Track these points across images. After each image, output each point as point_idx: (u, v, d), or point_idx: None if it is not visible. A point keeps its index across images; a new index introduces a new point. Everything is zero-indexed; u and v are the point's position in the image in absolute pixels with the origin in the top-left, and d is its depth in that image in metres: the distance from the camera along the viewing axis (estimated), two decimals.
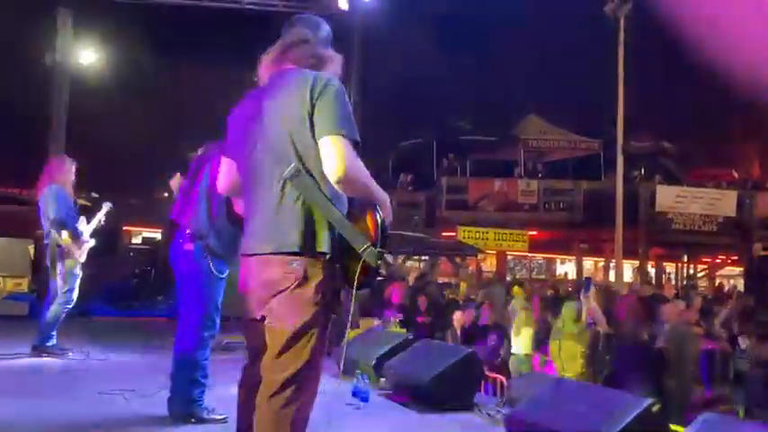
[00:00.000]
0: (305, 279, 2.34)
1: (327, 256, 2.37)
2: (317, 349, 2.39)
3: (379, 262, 2.33)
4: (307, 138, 2.39)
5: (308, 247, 2.36)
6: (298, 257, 2.35)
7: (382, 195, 2.47)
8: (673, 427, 4.10)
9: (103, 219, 6.42)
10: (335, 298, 2.42)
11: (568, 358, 6.35)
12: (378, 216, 2.39)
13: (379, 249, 2.33)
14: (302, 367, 2.35)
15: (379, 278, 2.43)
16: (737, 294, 13.88)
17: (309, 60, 2.56)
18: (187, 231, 4.13)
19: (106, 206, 6.46)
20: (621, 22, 16.03)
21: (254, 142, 2.50)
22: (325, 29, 2.69)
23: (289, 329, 2.35)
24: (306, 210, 2.38)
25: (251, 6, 10.28)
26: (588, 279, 8.43)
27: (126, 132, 16.83)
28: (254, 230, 2.50)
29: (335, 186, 2.35)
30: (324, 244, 2.37)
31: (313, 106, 2.38)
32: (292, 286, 2.35)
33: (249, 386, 2.49)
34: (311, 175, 2.38)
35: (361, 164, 2.39)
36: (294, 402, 2.35)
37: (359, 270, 2.36)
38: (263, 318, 2.44)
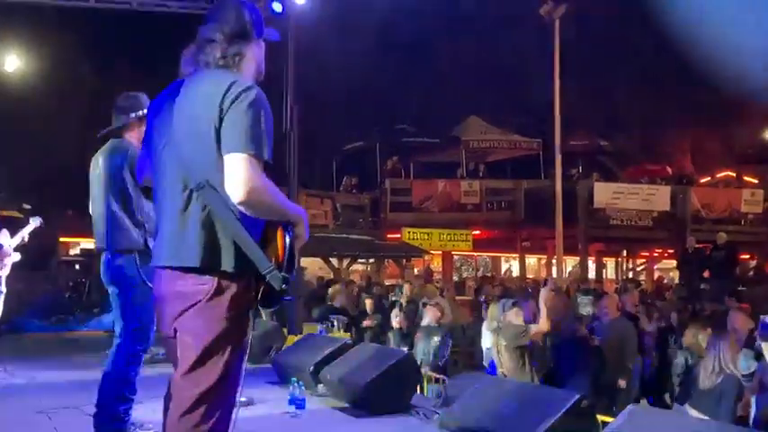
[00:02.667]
0: (217, 293, 2.27)
1: (234, 273, 2.28)
2: (230, 364, 2.31)
3: (283, 286, 2.26)
4: (213, 150, 2.26)
5: (210, 265, 2.27)
6: (207, 272, 2.27)
7: (294, 214, 2.35)
8: (602, 418, 4.18)
9: (28, 234, 6.18)
10: (246, 312, 2.34)
11: (497, 354, 6.44)
12: (287, 237, 2.30)
13: (283, 274, 2.25)
14: (215, 384, 2.27)
15: (286, 299, 2.36)
16: (676, 287, 14.34)
17: (219, 62, 2.41)
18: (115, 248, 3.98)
19: (34, 221, 6.23)
20: (557, 23, 16.38)
21: (163, 143, 2.40)
22: (242, 19, 2.46)
23: (200, 344, 2.27)
24: (211, 225, 2.28)
25: (182, 10, 10.11)
26: None
27: (58, 140, 16.31)
28: (161, 239, 2.41)
29: (238, 207, 2.23)
30: (226, 263, 2.27)
31: (221, 118, 2.25)
32: (204, 300, 2.27)
33: (168, 401, 2.42)
34: (218, 189, 2.25)
35: (267, 185, 2.24)
36: (207, 421, 2.26)
37: (261, 292, 2.30)
38: (176, 333, 2.36)
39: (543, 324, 6.28)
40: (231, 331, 2.30)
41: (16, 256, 6.09)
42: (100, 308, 10.36)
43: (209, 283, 2.27)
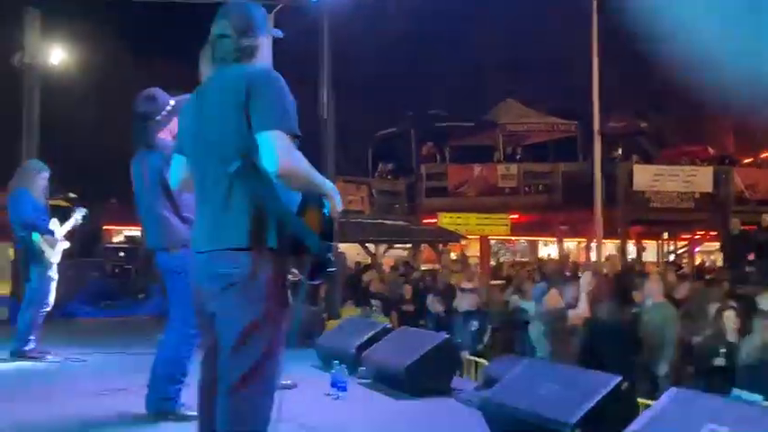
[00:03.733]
0: (254, 273, 2.35)
1: (275, 251, 2.38)
2: (272, 341, 2.39)
3: (328, 255, 2.36)
4: (245, 133, 2.37)
5: (255, 243, 2.36)
6: (246, 251, 2.36)
7: (327, 186, 2.47)
8: (642, 401, 4.18)
9: (77, 223, 6.37)
10: (286, 290, 2.44)
11: (537, 338, 6.44)
12: (324, 210, 2.41)
13: (326, 243, 2.36)
14: (259, 361, 2.36)
15: (331, 270, 2.45)
16: (719, 270, 14.08)
17: (233, 55, 2.53)
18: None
19: (80, 212, 6.41)
20: (595, 3, 16.10)
21: (198, 142, 2.52)
22: (248, 16, 2.58)
23: (242, 324, 2.36)
24: (253, 206, 2.38)
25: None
26: None
27: (102, 130, 16.69)
28: (203, 228, 2.51)
29: (276, 181, 2.35)
30: (271, 239, 2.37)
31: (248, 101, 2.37)
32: (242, 280, 2.36)
33: (206, 382, 2.52)
34: (256, 171, 2.36)
35: (299, 158, 2.37)
36: (252, 398, 2.35)
37: (309, 264, 2.40)
38: (215, 313, 2.46)
39: (584, 309, 6.24)
40: (272, 309, 2.38)
41: (65, 244, 6.30)
42: (145, 293, 10.66)
43: (249, 263, 2.35)
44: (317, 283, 2.52)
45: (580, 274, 8.68)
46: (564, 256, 19.26)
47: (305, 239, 2.35)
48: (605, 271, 12.70)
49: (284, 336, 2.46)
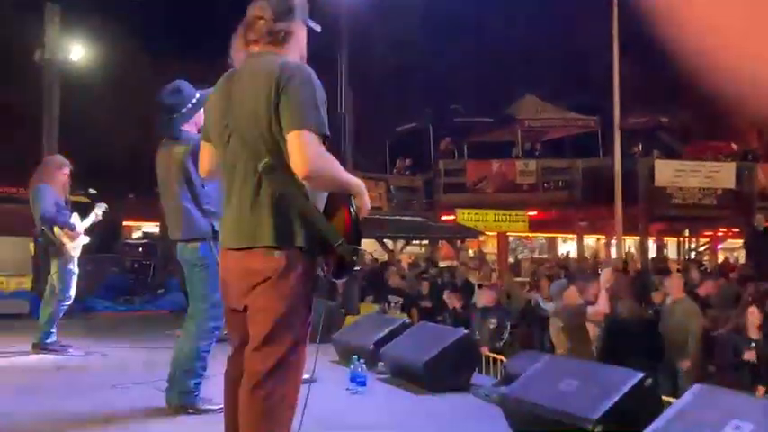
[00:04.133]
0: (286, 269, 2.35)
1: (304, 249, 2.37)
2: (299, 339, 2.40)
3: (354, 257, 2.34)
4: (276, 132, 2.34)
5: (284, 242, 2.36)
6: (278, 249, 2.35)
7: (355, 186, 2.42)
8: (665, 398, 4.11)
9: (97, 219, 6.41)
10: (315, 288, 2.44)
11: (556, 335, 6.38)
12: (351, 210, 2.38)
13: (353, 246, 2.34)
14: (285, 357, 2.35)
15: (356, 269, 2.43)
16: (742, 267, 13.86)
17: (267, 38, 2.48)
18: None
19: (100, 207, 6.45)
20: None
21: (228, 133, 2.49)
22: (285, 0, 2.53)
23: (271, 319, 2.36)
24: (281, 205, 2.36)
25: None
26: None
27: (122, 127, 16.83)
28: (232, 223, 2.49)
29: (303, 182, 2.32)
30: (300, 238, 2.36)
31: (278, 100, 2.33)
32: (274, 276, 2.35)
33: (233, 377, 2.51)
34: (285, 170, 2.33)
35: (328, 158, 2.32)
36: (278, 392, 2.35)
37: (334, 264, 2.39)
38: (246, 308, 2.45)
39: (603, 306, 6.16)
40: (300, 306, 2.39)
41: (86, 239, 6.34)
42: (164, 288, 10.71)
43: (280, 259, 2.35)
44: (340, 281, 2.51)
45: (600, 271, 8.61)
46: (582, 254, 19.14)
47: (331, 240, 2.33)
48: (627, 266, 12.62)
49: (308, 332, 2.46)
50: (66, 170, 6.27)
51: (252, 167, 2.39)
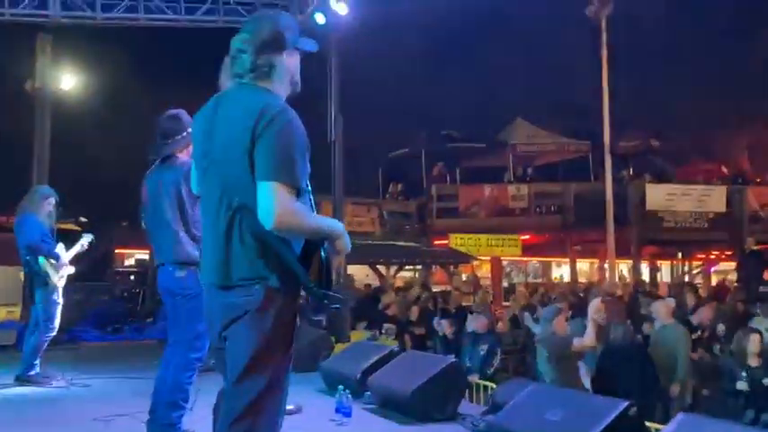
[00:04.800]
0: (265, 305, 2.33)
1: (281, 287, 2.35)
2: (278, 373, 2.37)
3: (325, 301, 2.33)
4: (249, 174, 2.31)
5: (256, 281, 2.34)
6: (258, 283, 2.33)
7: (330, 231, 2.39)
8: (655, 426, 4.07)
9: (83, 249, 6.37)
10: (293, 325, 2.41)
11: (542, 363, 6.33)
12: (322, 254, 2.35)
13: (322, 291, 2.32)
14: (263, 392, 2.32)
15: (333, 308, 2.41)
16: (734, 289, 13.85)
17: (250, 73, 2.44)
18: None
19: (86, 238, 6.41)
20: (603, 23, 16.13)
21: (207, 162, 2.47)
22: (274, 29, 2.46)
23: (248, 354, 2.33)
24: (255, 244, 2.34)
25: (228, 24, 10.34)
26: None
27: (113, 154, 16.84)
28: (208, 257, 2.49)
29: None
30: (272, 280, 2.34)
31: (254, 143, 2.29)
32: (252, 311, 2.33)
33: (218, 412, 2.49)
34: (256, 212, 2.29)
35: (297, 213, 2.27)
36: (256, 429, 2.32)
37: (307, 305, 2.39)
38: (226, 342, 2.43)
39: (589, 339, 6.07)
40: (278, 341, 2.36)
41: (71, 269, 6.29)
42: (154, 317, 10.62)
43: (257, 294, 2.33)
44: (318, 318, 2.49)
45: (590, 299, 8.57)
46: (576, 278, 19.10)
47: (302, 283, 2.33)
48: (618, 293, 12.57)
49: (288, 369, 2.43)
50: (52, 200, 6.25)
51: (227, 202, 2.37)
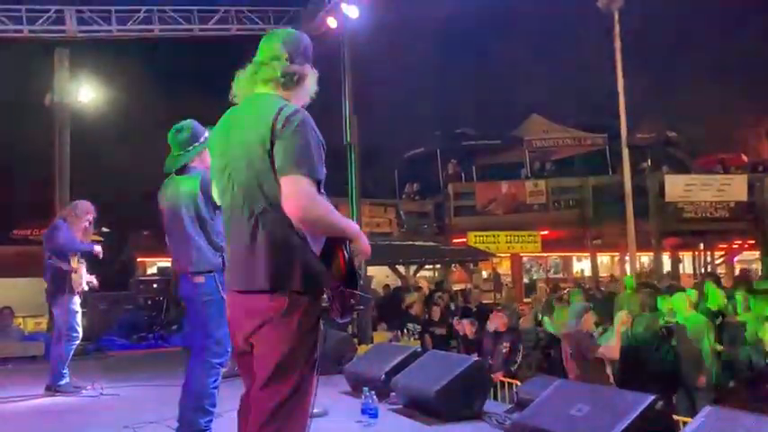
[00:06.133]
0: (288, 310, 2.37)
1: (305, 291, 2.38)
2: (304, 377, 2.41)
3: (351, 300, 2.36)
4: (270, 174, 2.36)
5: (280, 285, 2.37)
6: (280, 290, 2.37)
7: (351, 231, 2.43)
8: (682, 419, 4.06)
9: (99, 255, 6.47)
10: (318, 329, 2.45)
11: (566, 360, 6.31)
12: (345, 253, 2.38)
13: (347, 289, 2.35)
14: (290, 395, 2.37)
15: (358, 308, 2.45)
16: (760, 278, 13.69)
17: (279, 80, 2.51)
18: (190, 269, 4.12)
19: (96, 247, 6.51)
20: (616, 15, 16.03)
21: (228, 172, 2.52)
22: (302, 43, 2.60)
23: (275, 359, 2.38)
24: (277, 247, 2.38)
25: (241, 32, 10.44)
26: None
27: (133, 165, 17.02)
28: (232, 264, 2.53)
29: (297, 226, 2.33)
30: (297, 282, 2.37)
31: (273, 143, 2.35)
32: (276, 317, 2.37)
33: (246, 414, 2.53)
34: (281, 213, 2.35)
35: (322, 203, 2.33)
36: (284, 430, 2.36)
37: (337, 306, 2.40)
38: (252, 348, 2.48)
39: (614, 348, 6.02)
40: (304, 345, 2.40)
41: (94, 280, 6.41)
42: (178, 325, 10.73)
43: (282, 300, 2.37)
44: (345, 321, 2.51)
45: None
46: (597, 272, 18.97)
47: (326, 285, 2.36)
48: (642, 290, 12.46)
49: (315, 372, 2.46)
50: (90, 217, 6.36)
51: (248, 209, 2.42)
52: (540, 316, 9.90)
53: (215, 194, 2.78)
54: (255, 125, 2.40)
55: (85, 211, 6.33)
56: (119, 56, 13.53)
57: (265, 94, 2.52)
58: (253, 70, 2.55)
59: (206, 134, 4.18)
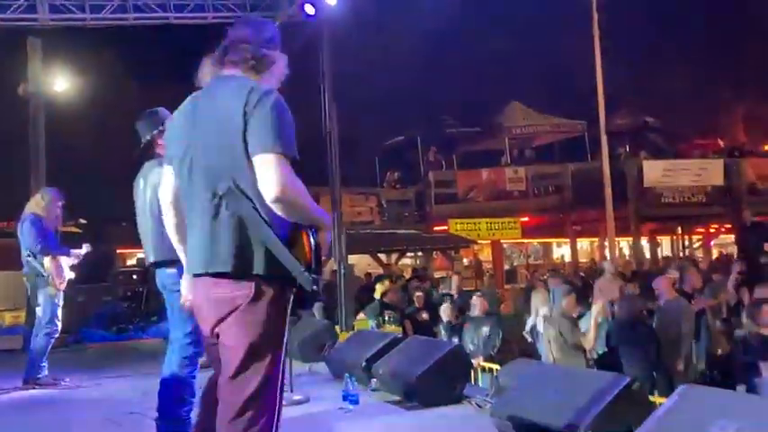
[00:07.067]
0: (255, 297, 2.31)
1: (272, 276, 2.32)
2: (273, 366, 2.36)
3: (314, 287, 2.30)
4: (240, 155, 2.30)
5: (243, 269, 2.31)
6: (247, 276, 2.31)
7: (320, 216, 2.39)
8: (660, 400, 4.12)
9: (79, 259, 6.39)
10: (285, 315, 2.39)
11: (547, 343, 6.37)
12: (311, 239, 2.33)
13: (312, 276, 2.30)
14: (260, 386, 2.32)
15: (319, 298, 2.41)
16: (734, 262, 13.85)
17: (249, 62, 2.47)
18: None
19: (85, 247, 6.43)
20: (594, 1, 16.09)
21: (190, 153, 2.44)
22: (269, 29, 2.59)
23: (243, 349, 2.32)
24: (241, 230, 2.32)
25: (217, 20, 10.31)
26: None
27: (110, 155, 16.83)
28: (194, 247, 2.46)
29: (271, 207, 2.26)
30: (258, 267, 2.31)
31: (246, 121, 2.29)
32: (243, 304, 2.31)
33: (207, 401, 2.52)
34: (246, 195, 2.30)
35: (298, 184, 2.28)
36: (256, 423, 2.32)
37: (294, 294, 2.36)
38: (218, 337, 2.42)
39: (592, 339, 6.08)
40: (271, 334, 2.35)
41: (71, 274, 6.34)
42: (157, 316, 10.65)
43: (247, 287, 2.31)
44: (305, 311, 2.49)
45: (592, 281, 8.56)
46: (576, 257, 19.13)
47: (292, 269, 2.29)
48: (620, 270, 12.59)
49: (284, 359, 2.43)
50: (60, 203, 6.27)
51: (212, 191, 2.35)
52: (521, 300, 9.96)
53: (167, 184, 2.68)
54: (226, 103, 2.35)
55: (53, 199, 6.25)
56: (93, 45, 13.32)
57: (235, 76, 2.47)
58: (221, 52, 2.52)
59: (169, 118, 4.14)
